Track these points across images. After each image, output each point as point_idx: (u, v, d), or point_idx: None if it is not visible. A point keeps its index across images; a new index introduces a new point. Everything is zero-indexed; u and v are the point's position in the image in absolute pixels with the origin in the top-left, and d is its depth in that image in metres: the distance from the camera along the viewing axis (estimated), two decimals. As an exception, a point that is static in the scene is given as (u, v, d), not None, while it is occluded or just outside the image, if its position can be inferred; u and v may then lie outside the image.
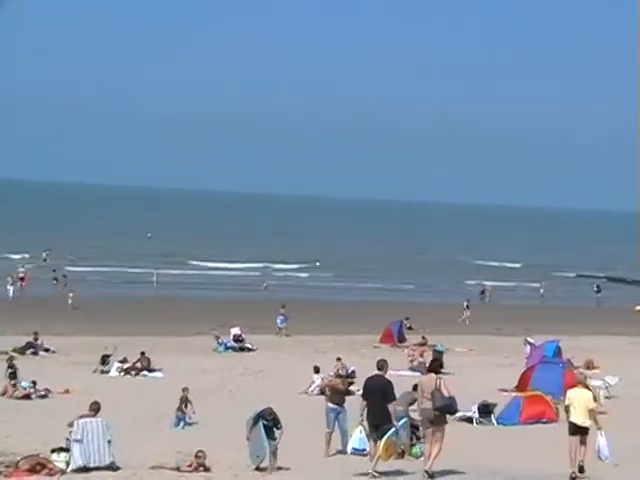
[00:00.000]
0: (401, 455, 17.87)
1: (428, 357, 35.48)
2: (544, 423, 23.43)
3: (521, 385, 27.68)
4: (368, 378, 16.39)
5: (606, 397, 26.72)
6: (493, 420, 23.73)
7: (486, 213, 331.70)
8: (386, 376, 16.27)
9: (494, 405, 24.12)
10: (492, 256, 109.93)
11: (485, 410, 23.97)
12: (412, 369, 33.99)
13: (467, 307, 53.90)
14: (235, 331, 40.43)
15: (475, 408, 23.82)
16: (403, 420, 17.51)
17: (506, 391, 27.70)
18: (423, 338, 41.76)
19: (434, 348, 37.35)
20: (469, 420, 23.63)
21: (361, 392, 16.57)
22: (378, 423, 15.87)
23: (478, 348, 41.29)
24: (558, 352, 33.91)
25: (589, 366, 34.98)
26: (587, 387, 17.19)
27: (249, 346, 39.77)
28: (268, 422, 18.24)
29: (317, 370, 29.64)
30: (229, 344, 39.59)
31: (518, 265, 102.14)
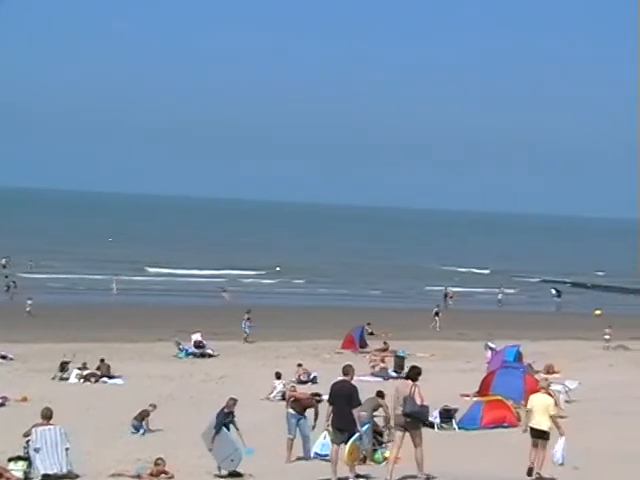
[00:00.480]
0: (363, 460, 17.96)
1: (390, 363, 35.64)
2: (505, 428, 23.53)
3: (482, 390, 27.77)
4: (334, 383, 16.57)
5: (566, 401, 26.91)
6: (454, 425, 23.81)
7: (459, 219, 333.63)
8: (352, 382, 16.42)
9: (455, 410, 24.22)
10: (460, 262, 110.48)
11: (446, 415, 24.06)
12: (374, 375, 34.04)
13: (437, 314, 53.94)
14: (196, 337, 40.24)
15: (436, 413, 23.89)
16: (367, 426, 17.57)
17: (467, 396, 27.79)
18: (385, 344, 41.86)
19: (396, 353, 37.43)
20: (431, 425, 23.62)
21: (327, 397, 16.68)
22: (342, 428, 16.01)
23: (440, 353, 41.45)
24: (519, 357, 34.05)
25: (549, 371, 35.22)
26: (549, 393, 17.54)
27: (210, 352, 39.60)
28: (228, 418, 18.30)
29: (279, 376, 29.59)
30: (190, 350, 39.39)
31: (486, 271, 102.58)
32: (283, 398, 28.39)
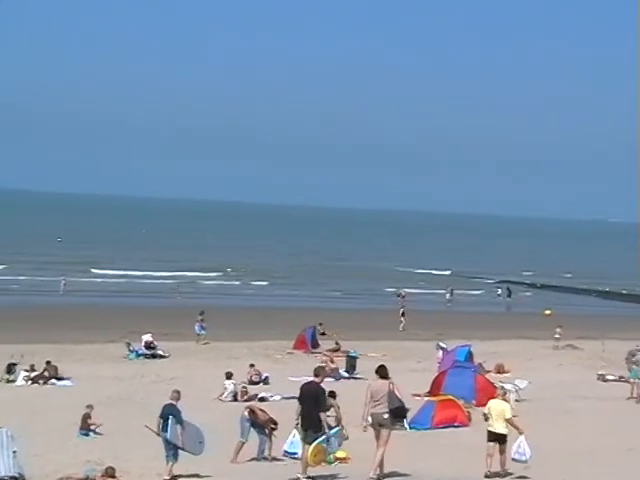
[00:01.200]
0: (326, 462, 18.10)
1: (342, 363, 35.70)
2: (456, 427, 23.69)
3: (433, 389, 27.96)
4: (304, 383, 16.90)
5: (516, 400, 27.12)
6: (406, 425, 23.85)
7: (405, 220, 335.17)
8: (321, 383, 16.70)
9: (407, 409, 24.25)
10: (418, 264, 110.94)
11: (399, 414, 24.05)
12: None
13: (403, 314, 53.86)
14: (147, 338, 39.97)
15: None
16: (336, 428, 17.75)
17: (419, 396, 27.90)
18: (336, 344, 41.94)
19: (348, 354, 37.50)
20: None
21: (297, 396, 16.86)
22: (309, 428, 16.27)
23: (391, 353, 41.59)
24: (470, 357, 34.33)
25: (500, 370, 35.57)
26: (505, 400, 18.40)
27: (161, 353, 39.37)
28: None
29: (229, 376, 29.50)
30: (140, 351, 39.13)
31: (447, 272, 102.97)
32: (235, 399, 28.39)
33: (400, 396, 16.55)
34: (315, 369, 16.95)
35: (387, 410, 16.44)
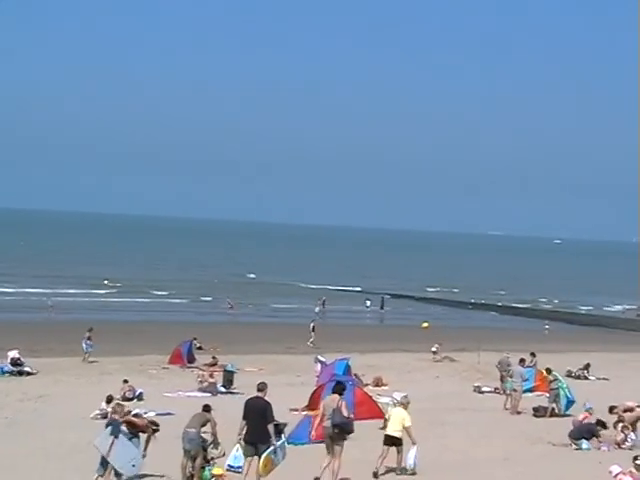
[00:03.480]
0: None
1: (219, 377, 35.40)
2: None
3: (312, 404, 27.94)
4: (248, 399, 17.70)
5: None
6: (284, 439, 23.76)
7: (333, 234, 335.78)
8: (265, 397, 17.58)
9: (284, 425, 24.08)
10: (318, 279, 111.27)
11: (276, 430, 23.92)
12: (202, 390, 33.73)
13: (313, 329, 52.90)
14: (13, 354, 38.71)
15: (265, 428, 23.76)
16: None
17: (297, 410, 27.89)
18: (213, 358, 41.61)
19: (225, 368, 37.25)
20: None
21: (242, 413, 17.50)
22: (257, 441, 17.18)
23: (269, 367, 41.52)
24: (348, 370, 34.51)
25: (378, 383, 35.90)
26: (405, 408, 19.85)
27: (29, 370, 38.18)
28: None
29: (109, 399, 28.82)
30: (6, 368, 37.87)
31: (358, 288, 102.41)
32: (105, 417, 27.79)
33: (347, 414, 17.85)
34: (258, 384, 17.78)
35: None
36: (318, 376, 34.50)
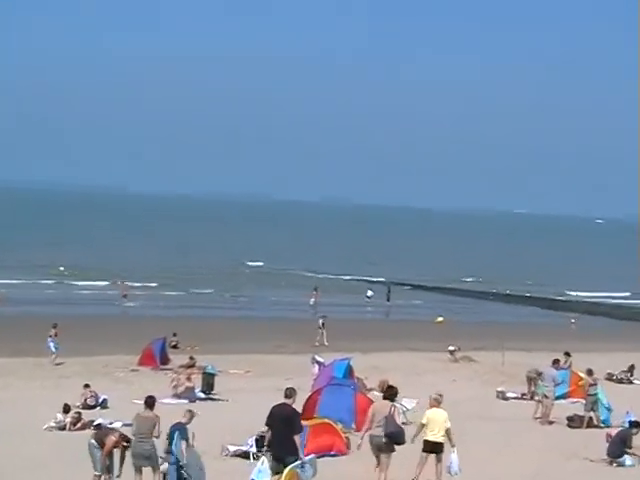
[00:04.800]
0: None
1: (197, 381, 35.37)
2: (332, 456, 23.67)
3: (306, 412, 27.84)
4: (274, 406, 18.24)
5: (403, 423, 27.35)
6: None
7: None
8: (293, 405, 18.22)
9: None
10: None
11: (263, 442, 23.91)
12: (177, 396, 33.71)
13: (323, 325, 52.94)
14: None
15: (252, 441, 23.74)
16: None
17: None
18: (191, 358, 41.57)
19: (204, 370, 37.23)
20: (245, 455, 23.55)
21: (265, 420, 18.24)
22: (281, 455, 17.62)
23: (256, 369, 41.55)
24: (349, 372, 34.50)
25: (384, 388, 35.83)
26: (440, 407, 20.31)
27: (-27, 373, 38.19)
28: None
29: (67, 409, 28.82)
30: (-54, 371, 37.83)
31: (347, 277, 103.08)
32: (61, 429, 27.79)
33: (399, 421, 18.73)
34: (286, 390, 18.46)
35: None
36: (315, 379, 34.50)
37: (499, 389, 36.26)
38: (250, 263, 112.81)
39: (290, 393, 18.27)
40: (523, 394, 34.98)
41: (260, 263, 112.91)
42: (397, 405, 19.11)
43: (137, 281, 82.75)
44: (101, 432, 19.56)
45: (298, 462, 17.47)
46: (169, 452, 18.94)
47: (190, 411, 19.74)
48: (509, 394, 35.57)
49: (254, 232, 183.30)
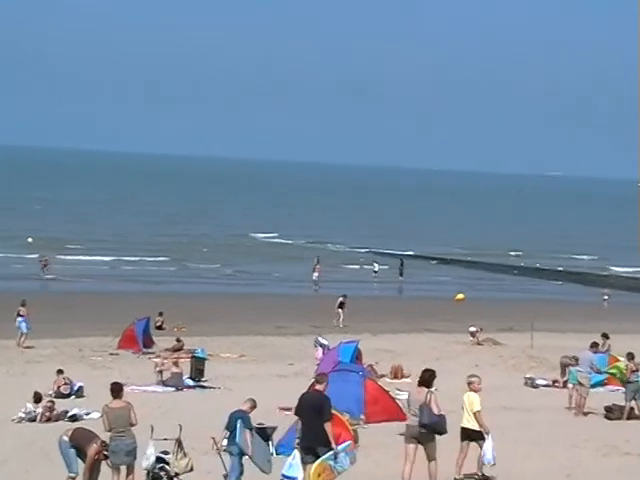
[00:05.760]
0: None
1: (185, 366, 35.36)
2: (338, 451, 23.65)
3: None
4: (303, 394, 19.11)
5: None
6: (271, 449, 23.78)
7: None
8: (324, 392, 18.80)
9: (273, 429, 24.16)
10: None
11: (261, 435, 23.92)
12: (163, 383, 33.69)
13: (342, 305, 52.29)
14: None
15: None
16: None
17: (289, 410, 27.79)
18: (178, 341, 41.62)
19: (193, 354, 37.27)
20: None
21: (294, 409, 19.08)
22: (312, 445, 18.25)
23: (252, 353, 41.52)
24: (357, 356, 34.47)
25: (397, 374, 35.86)
26: (474, 390, 20.72)
27: None
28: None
29: (38, 399, 28.77)
30: None
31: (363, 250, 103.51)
32: (31, 420, 27.80)
33: (438, 410, 18.86)
34: (316, 376, 19.46)
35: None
36: (319, 364, 34.49)
37: (527, 375, 36.18)
38: (255, 234, 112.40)
39: (321, 379, 18.95)
40: (555, 381, 34.91)
41: (268, 234, 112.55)
42: (434, 391, 19.15)
43: (122, 253, 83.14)
44: (79, 435, 19.23)
45: (330, 453, 17.95)
46: (231, 443, 19.51)
47: (252, 399, 20.37)
48: (539, 381, 35.50)
49: (266, 200, 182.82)
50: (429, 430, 18.81)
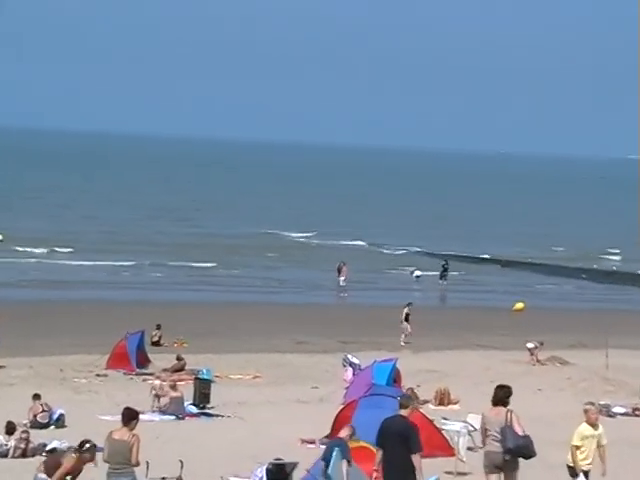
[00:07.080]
0: None
1: (188, 389, 35.36)
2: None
3: (336, 431, 27.81)
4: (386, 419, 19.25)
5: (469, 448, 27.24)
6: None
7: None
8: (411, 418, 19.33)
9: (293, 466, 24.18)
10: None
11: (279, 474, 23.93)
12: (161, 410, 33.72)
13: (407, 317, 51.82)
14: None
15: (262, 471, 23.73)
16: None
17: (313, 443, 27.84)
18: (179, 359, 41.66)
19: (197, 375, 37.31)
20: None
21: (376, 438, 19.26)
22: (400, 479, 18.57)
23: (268, 374, 41.55)
24: (395, 378, 34.42)
25: (443, 400, 35.80)
26: (590, 423, 20.87)
27: None
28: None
29: (11, 429, 28.80)
30: None
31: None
32: (3, 456, 27.84)
33: (522, 431, 19.22)
34: (402, 399, 19.70)
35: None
36: (348, 387, 34.43)
37: (602, 402, 36.00)
38: (287, 233, 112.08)
39: (406, 402, 19.33)
40: (635, 409, 34.82)
41: (307, 234, 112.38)
42: (513, 411, 19.43)
43: (118, 250, 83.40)
44: (52, 464, 19.26)
45: None
46: (326, 476, 20.27)
47: (352, 426, 21.20)
48: (616, 409, 35.40)
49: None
50: (515, 455, 19.10)
